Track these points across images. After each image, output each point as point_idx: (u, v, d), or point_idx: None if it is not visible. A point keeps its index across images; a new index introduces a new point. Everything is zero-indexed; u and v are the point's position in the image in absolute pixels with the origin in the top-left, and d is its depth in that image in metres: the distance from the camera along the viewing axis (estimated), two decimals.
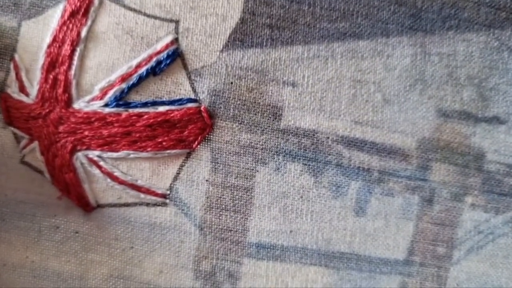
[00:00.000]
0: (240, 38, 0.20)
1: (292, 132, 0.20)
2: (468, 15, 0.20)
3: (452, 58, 0.20)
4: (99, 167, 0.20)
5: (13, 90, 0.20)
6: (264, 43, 0.20)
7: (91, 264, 0.20)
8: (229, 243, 0.20)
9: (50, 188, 0.20)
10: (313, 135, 0.20)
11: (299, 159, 0.20)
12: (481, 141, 0.20)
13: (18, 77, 0.20)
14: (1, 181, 0.20)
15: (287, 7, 0.20)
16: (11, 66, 0.20)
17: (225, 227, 0.20)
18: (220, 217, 0.20)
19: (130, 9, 0.19)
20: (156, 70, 0.19)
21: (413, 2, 0.20)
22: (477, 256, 0.20)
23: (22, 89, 0.20)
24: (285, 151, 0.20)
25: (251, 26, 0.20)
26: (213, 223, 0.20)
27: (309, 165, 0.20)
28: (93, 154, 0.19)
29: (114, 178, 0.20)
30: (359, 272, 0.20)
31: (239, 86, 0.20)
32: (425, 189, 0.20)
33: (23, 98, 0.19)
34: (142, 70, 0.19)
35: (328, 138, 0.20)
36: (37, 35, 0.19)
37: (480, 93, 0.20)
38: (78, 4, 0.19)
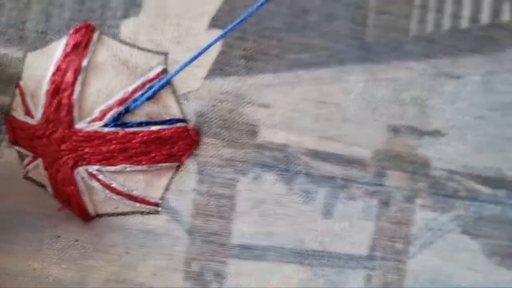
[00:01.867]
0: (220, 67, 0.28)
1: (267, 147, 0.28)
2: (409, 48, 0.29)
3: (398, 83, 0.29)
4: (98, 180, 0.26)
5: (18, 113, 0.26)
6: (240, 72, 0.28)
7: (90, 270, 0.26)
8: (215, 245, 0.27)
9: (52, 201, 0.26)
10: (285, 149, 0.28)
11: (274, 169, 0.27)
12: (426, 151, 0.29)
13: (24, 102, 0.26)
14: (6, 195, 0.26)
15: (259, 42, 0.28)
16: (17, 92, 0.26)
17: (211, 231, 0.27)
18: (207, 222, 0.27)
19: (126, 43, 0.27)
20: (149, 96, 0.27)
21: (363, 37, 0.29)
22: (429, 250, 0.28)
23: (28, 112, 0.26)
24: (261, 163, 0.27)
25: (229, 58, 0.28)
26: (201, 228, 0.27)
27: (283, 175, 0.28)
28: (93, 168, 0.26)
29: (112, 190, 0.26)
30: (330, 268, 0.27)
31: (220, 108, 0.27)
32: (382, 193, 0.28)
33: (28, 120, 0.26)
34: (137, 95, 0.27)
35: (298, 151, 0.28)
36: (41, 65, 0.26)
37: (423, 111, 0.29)
38: (80, 38, 0.27)
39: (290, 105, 0.27)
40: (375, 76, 0.27)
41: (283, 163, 0.26)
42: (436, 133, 0.28)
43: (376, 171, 0.27)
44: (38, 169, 0.25)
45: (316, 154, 0.27)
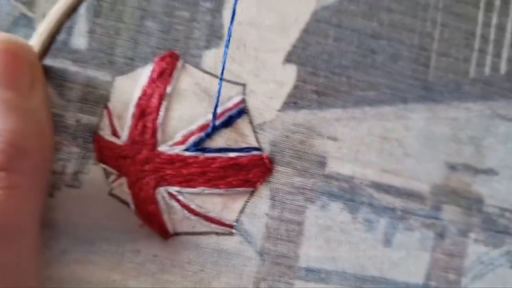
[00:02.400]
0: (293, 101, 0.31)
1: (334, 177, 0.31)
2: (468, 89, 0.33)
3: (456, 122, 0.32)
4: (178, 200, 0.29)
5: (105, 133, 0.29)
6: (312, 106, 0.31)
7: (166, 284, 0.29)
8: (283, 267, 0.30)
9: (134, 218, 0.29)
10: (351, 180, 0.31)
11: (340, 199, 0.31)
12: (480, 188, 0.32)
13: (111, 122, 0.29)
14: (90, 210, 0.29)
15: (330, 77, 0.31)
16: (105, 113, 0.30)
17: (280, 254, 0.30)
18: (277, 245, 0.30)
19: (207, 72, 0.30)
20: (227, 123, 0.30)
21: (426, 78, 0.32)
22: (481, 282, 0.32)
23: (114, 132, 0.29)
24: (328, 193, 0.31)
25: (302, 92, 0.31)
26: (271, 250, 0.30)
27: (348, 204, 0.31)
28: (173, 189, 0.29)
29: (190, 210, 0.29)
30: None
31: (292, 139, 0.31)
32: (438, 226, 0.32)
33: (114, 140, 0.29)
34: (217, 122, 0.30)
35: (362, 183, 0.31)
36: (128, 89, 0.30)
37: (478, 150, 0.32)
38: (165, 66, 0.30)
39: (357, 139, 0.30)
40: (435, 115, 0.31)
41: (348, 193, 0.30)
42: (489, 172, 0.31)
43: (432, 205, 0.30)
44: (122, 187, 0.28)
45: (378, 186, 0.30)
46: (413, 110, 0.30)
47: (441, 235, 0.30)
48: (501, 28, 0.31)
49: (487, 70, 0.31)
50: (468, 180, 0.30)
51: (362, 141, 0.29)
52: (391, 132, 0.30)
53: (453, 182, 0.30)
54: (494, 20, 0.32)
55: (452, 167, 0.30)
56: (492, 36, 0.32)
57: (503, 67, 0.31)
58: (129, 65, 0.29)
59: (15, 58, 0.25)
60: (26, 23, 0.29)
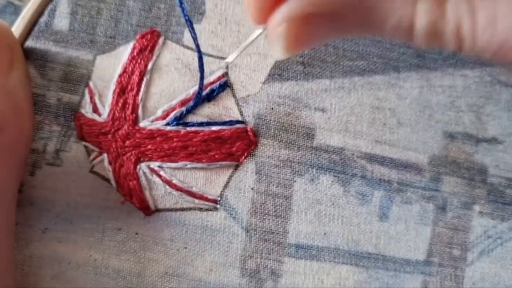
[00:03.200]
0: (278, 72, 0.30)
1: (323, 149, 0.30)
2: (464, 55, 0.31)
3: (453, 90, 0.31)
4: (159, 175, 0.29)
5: (86, 111, 0.29)
6: (298, 77, 0.30)
7: (149, 262, 0.28)
8: (271, 244, 0.29)
9: (115, 194, 0.29)
10: (341, 152, 0.30)
11: (330, 171, 0.30)
12: (483, 158, 0.30)
13: (92, 100, 0.30)
14: (71, 187, 0.29)
15: (316, 48, 0.31)
16: (86, 91, 0.30)
17: (268, 230, 0.29)
18: (264, 221, 0.29)
19: (188, 48, 0.30)
20: (210, 97, 0.30)
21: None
22: (488, 258, 0.29)
23: (95, 110, 0.29)
24: (318, 165, 0.30)
25: (287, 63, 0.30)
26: (258, 226, 0.29)
27: (339, 177, 0.30)
28: (155, 164, 0.29)
29: (172, 185, 0.29)
30: (385, 271, 0.29)
31: (278, 111, 0.30)
32: (438, 198, 0.30)
33: (95, 117, 0.29)
34: (203, 93, 0.30)
35: (354, 154, 0.30)
36: (109, 66, 0.30)
37: (479, 118, 0.31)
38: (146, 43, 0.30)
39: (346, 109, 0.29)
40: (430, 83, 0.30)
41: (339, 165, 0.29)
42: (493, 140, 0.30)
43: (431, 176, 0.29)
44: (103, 164, 0.28)
45: (371, 158, 0.29)
46: (406, 78, 0.29)
47: (442, 208, 0.28)
48: None
49: None
50: (469, 150, 0.29)
51: (352, 111, 0.29)
52: (383, 101, 0.29)
53: (452, 152, 0.29)
54: None
55: (451, 136, 0.29)
56: None
57: None
58: (110, 44, 0.29)
59: None
60: (13, 10, 0.30)
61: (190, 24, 0.27)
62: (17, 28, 0.29)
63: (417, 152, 0.29)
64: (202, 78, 0.28)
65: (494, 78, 0.30)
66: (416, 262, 0.28)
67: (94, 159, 0.28)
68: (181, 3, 0.27)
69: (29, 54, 0.29)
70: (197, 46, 0.27)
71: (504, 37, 0.16)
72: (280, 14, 0.19)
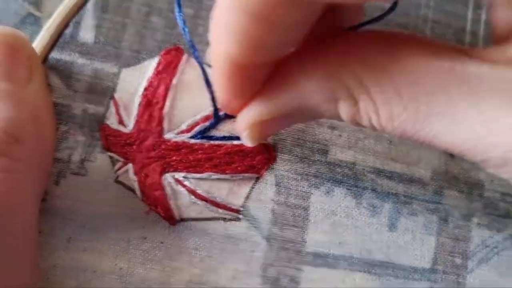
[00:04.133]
0: None
1: (336, 164, 0.32)
2: None
3: None
4: (184, 186, 0.31)
5: (111, 122, 0.31)
6: None
7: (173, 271, 0.30)
8: (291, 252, 0.31)
9: (140, 204, 0.30)
10: (353, 166, 0.33)
11: (343, 185, 0.32)
12: (479, 174, 0.34)
13: (117, 112, 0.31)
14: (96, 197, 0.30)
15: None
16: (111, 103, 0.31)
17: (287, 239, 0.31)
18: (283, 231, 0.31)
19: (210, 66, 0.33)
20: (231, 115, 0.32)
21: None
22: (486, 266, 0.33)
23: (121, 121, 0.31)
24: (332, 179, 0.32)
25: None
26: (278, 235, 0.31)
27: (351, 189, 0.32)
28: (180, 175, 0.31)
29: (197, 196, 0.30)
30: (395, 278, 0.32)
31: (293, 128, 0.33)
32: (441, 210, 0.33)
33: (121, 128, 0.31)
34: (222, 113, 0.32)
35: (364, 169, 0.33)
36: (134, 80, 0.31)
37: None
38: (170, 59, 0.32)
39: (355, 128, 0.32)
40: None
41: (351, 179, 0.31)
42: None
43: (434, 190, 0.32)
44: (128, 174, 0.29)
45: (380, 172, 0.32)
46: None
47: (444, 219, 0.31)
48: (490, 24, 0.34)
49: None
50: (467, 166, 0.32)
51: (360, 128, 0.31)
52: None
53: (452, 168, 0.32)
54: (483, 17, 0.34)
55: (450, 154, 0.32)
56: (481, 32, 0.34)
57: None
58: (135, 58, 0.30)
59: (12, 50, 0.27)
60: (33, 21, 0.31)
61: (193, 47, 0.29)
62: (42, 38, 0.30)
63: (420, 168, 0.32)
64: (213, 98, 0.30)
65: None
66: (422, 270, 0.30)
67: (119, 169, 0.29)
68: (184, 26, 0.29)
69: (54, 65, 0.30)
70: (200, 64, 0.29)
71: (402, 128, 0.22)
72: (243, 123, 0.25)
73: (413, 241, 0.31)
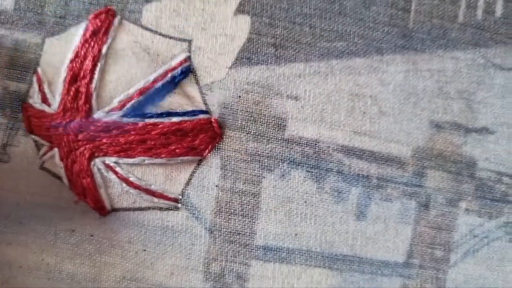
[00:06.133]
0: (247, 56, 0.29)
1: (295, 142, 0.29)
2: (456, 35, 0.30)
3: (442, 74, 0.30)
4: (115, 172, 0.28)
5: (35, 101, 0.28)
6: (269, 61, 0.29)
7: (105, 266, 0.28)
8: (237, 245, 0.28)
9: (68, 193, 0.28)
10: (315, 144, 0.29)
11: (303, 166, 0.29)
12: (472, 150, 0.29)
13: (41, 89, 0.29)
14: (21, 185, 0.28)
15: (290, 28, 0.29)
16: (34, 78, 0.29)
17: (233, 231, 0.28)
18: (229, 221, 0.28)
19: (147, 29, 0.29)
20: (171, 85, 0.29)
21: (405, 24, 0.30)
22: (473, 259, 0.29)
23: (45, 100, 0.29)
24: (289, 159, 0.29)
25: (257, 45, 0.29)
26: (223, 226, 0.28)
27: (312, 172, 0.29)
28: (110, 160, 0.28)
29: (129, 183, 0.28)
30: (361, 274, 0.29)
31: (246, 100, 0.29)
32: (421, 195, 0.29)
33: (45, 108, 0.28)
34: (158, 84, 0.29)
35: (329, 147, 0.29)
36: (60, 51, 0.29)
37: (469, 106, 0.30)
38: (99, 24, 0.29)
39: (322, 97, 0.28)
40: (416, 67, 0.29)
41: (313, 159, 0.28)
42: (483, 131, 0.29)
43: (415, 171, 0.28)
44: (54, 160, 0.27)
45: (349, 151, 0.28)
46: (390, 61, 0.28)
47: (425, 206, 0.27)
48: None
49: (479, 13, 0.29)
50: (457, 141, 0.28)
51: (329, 99, 0.28)
52: (364, 88, 0.28)
53: (439, 143, 0.28)
54: None
55: (438, 126, 0.28)
56: None
57: (498, 9, 0.29)
58: (60, 25, 0.28)
59: None
60: None
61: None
62: None
63: (399, 144, 0.28)
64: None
65: (488, 60, 0.29)
66: (395, 264, 0.27)
67: (44, 154, 0.27)
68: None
69: None
70: None
71: None
72: None
73: (385, 232, 0.28)
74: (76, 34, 0.28)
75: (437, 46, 0.29)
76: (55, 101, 0.28)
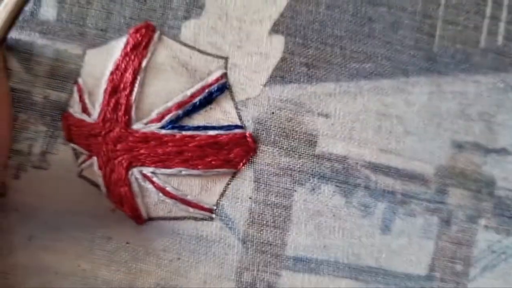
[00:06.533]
0: (280, 74, 0.31)
1: (325, 158, 0.30)
2: (477, 60, 0.32)
3: (464, 97, 0.31)
4: (152, 182, 0.29)
5: (75, 110, 0.30)
6: (301, 79, 0.31)
7: (140, 273, 0.29)
8: (269, 256, 0.30)
9: (105, 201, 0.29)
10: (344, 160, 0.31)
11: (332, 181, 0.30)
12: (492, 170, 0.31)
13: (81, 99, 0.30)
14: (59, 193, 0.29)
15: (321, 49, 0.31)
16: (75, 89, 0.30)
17: (265, 241, 0.30)
18: (261, 232, 0.30)
19: (186, 45, 0.30)
20: (208, 100, 0.30)
21: (430, 48, 0.32)
22: (491, 274, 0.31)
23: (85, 109, 0.30)
24: (319, 174, 0.30)
25: (290, 65, 0.31)
26: (255, 237, 0.30)
27: (341, 187, 0.30)
28: (147, 170, 0.29)
29: (166, 193, 0.29)
30: (386, 286, 0.30)
31: (279, 116, 0.30)
32: (443, 211, 0.31)
33: (85, 117, 0.30)
34: (196, 99, 0.30)
35: (357, 163, 0.31)
36: (100, 62, 0.30)
37: (490, 128, 0.32)
38: (140, 38, 0.30)
39: (351, 115, 0.30)
40: (440, 89, 0.30)
41: (342, 175, 0.29)
42: (503, 151, 0.30)
43: (437, 188, 0.30)
44: (92, 168, 0.28)
45: (376, 167, 0.29)
46: (415, 83, 0.30)
47: (447, 221, 0.29)
48: None
49: (500, 39, 0.31)
50: (478, 161, 0.29)
51: (357, 117, 0.29)
52: (390, 108, 0.29)
53: (460, 162, 0.29)
54: None
55: (459, 146, 0.29)
56: (505, 0, 0.31)
57: None
58: (101, 37, 0.29)
59: None
60: None
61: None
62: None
63: (423, 162, 0.29)
64: None
65: (508, 84, 0.30)
66: (417, 277, 0.29)
67: (83, 162, 0.28)
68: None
69: (13, 46, 0.28)
70: None
71: None
72: None
73: (409, 246, 0.29)
74: (117, 47, 0.29)
75: (460, 70, 0.31)
76: (95, 111, 0.29)
